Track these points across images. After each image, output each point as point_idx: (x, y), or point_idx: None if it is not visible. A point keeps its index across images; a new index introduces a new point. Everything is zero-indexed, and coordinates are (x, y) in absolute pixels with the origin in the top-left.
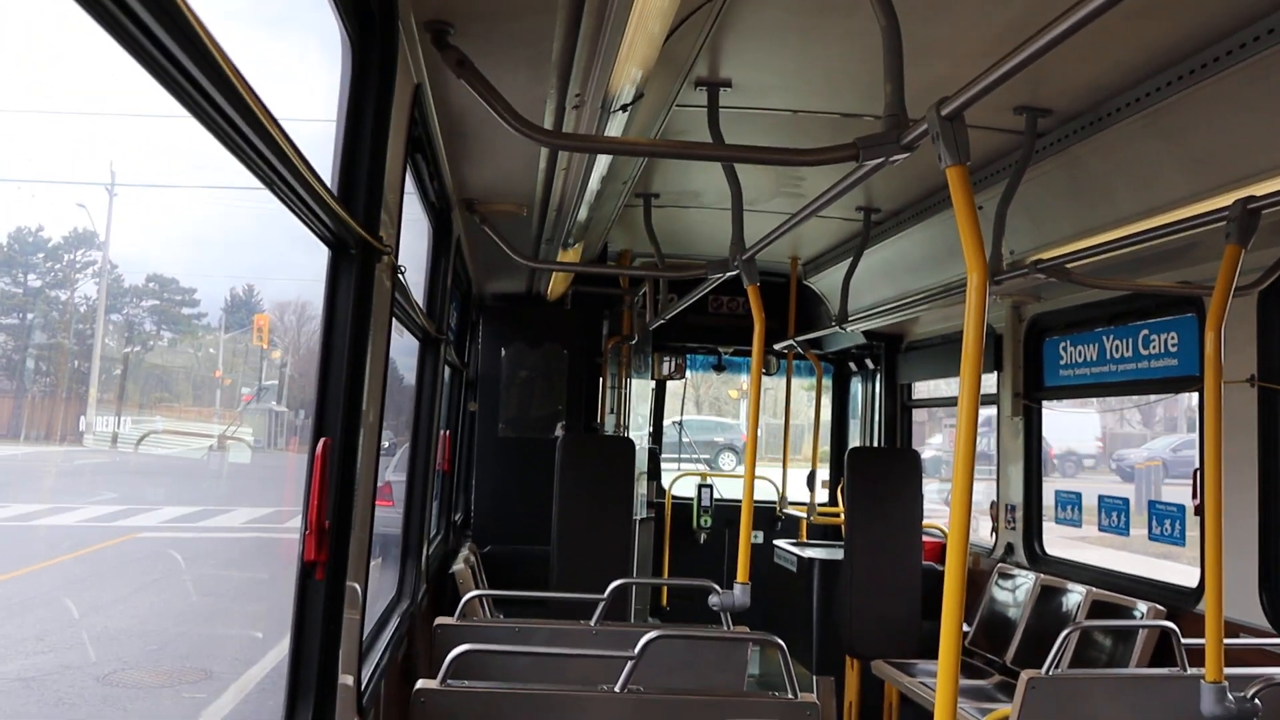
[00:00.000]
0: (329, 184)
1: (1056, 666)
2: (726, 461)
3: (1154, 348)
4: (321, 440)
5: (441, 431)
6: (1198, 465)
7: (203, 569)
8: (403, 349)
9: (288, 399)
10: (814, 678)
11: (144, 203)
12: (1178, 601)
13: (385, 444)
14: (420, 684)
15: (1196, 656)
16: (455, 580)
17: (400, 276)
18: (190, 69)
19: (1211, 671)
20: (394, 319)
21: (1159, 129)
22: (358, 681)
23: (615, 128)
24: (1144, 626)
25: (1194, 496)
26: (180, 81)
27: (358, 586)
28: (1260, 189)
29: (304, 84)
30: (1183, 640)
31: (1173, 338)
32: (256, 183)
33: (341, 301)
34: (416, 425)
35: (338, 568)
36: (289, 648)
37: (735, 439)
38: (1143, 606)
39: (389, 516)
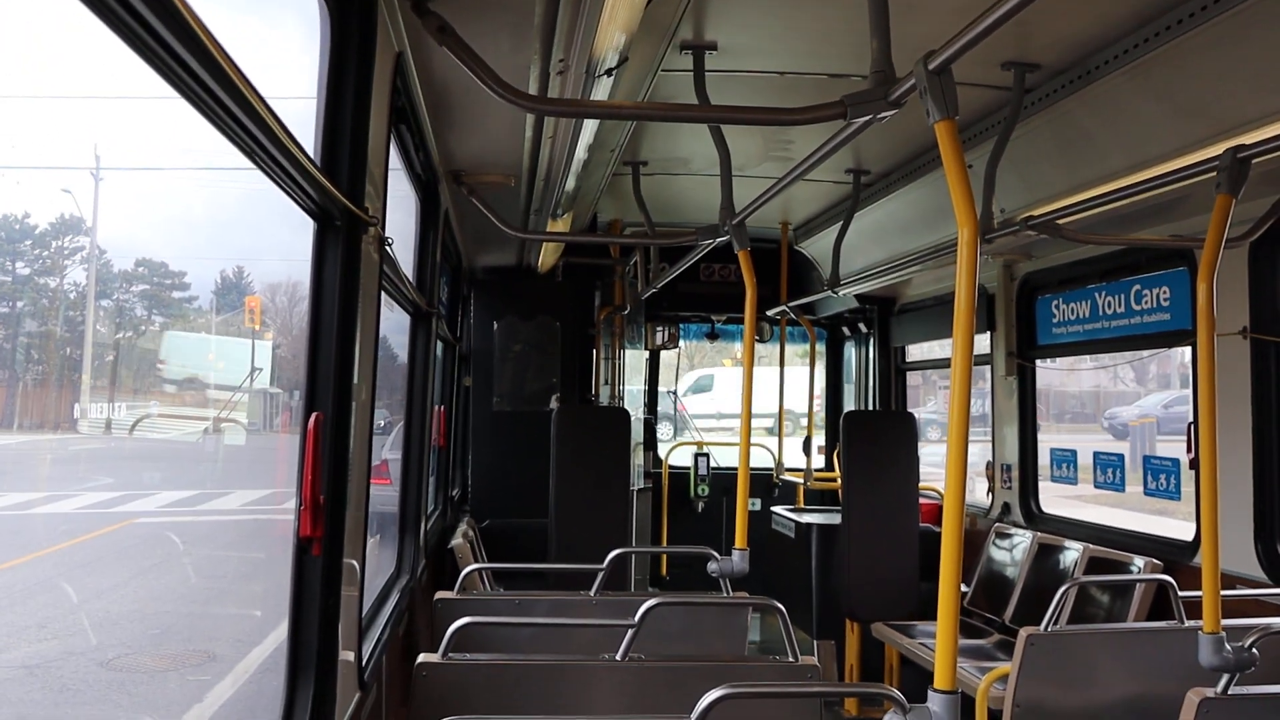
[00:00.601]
0: (313, 156)
1: (1055, 623)
2: (664, 431)
3: (1146, 302)
4: (313, 415)
5: (436, 407)
6: (1192, 419)
7: (202, 552)
8: (397, 327)
9: (281, 380)
10: (814, 641)
11: (131, 186)
12: (1174, 555)
13: (381, 422)
14: (422, 658)
15: (1194, 609)
16: (454, 555)
17: (388, 249)
18: (171, 42)
19: (1209, 623)
20: (383, 292)
21: (1147, 81)
22: (359, 657)
23: (600, 93)
24: (1141, 581)
25: (1188, 450)
26: (161, 55)
27: (355, 563)
28: (1250, 137)
29: (288, 59)
30: (1180, 593)
31: (1165, 292)
32: (244, 162)
33: (328, 274)
34: (410, 400)
35: (334, 544)
36: (288, 625)
37: (670, 408)
38: (1139, 561)
39: (388, 495)
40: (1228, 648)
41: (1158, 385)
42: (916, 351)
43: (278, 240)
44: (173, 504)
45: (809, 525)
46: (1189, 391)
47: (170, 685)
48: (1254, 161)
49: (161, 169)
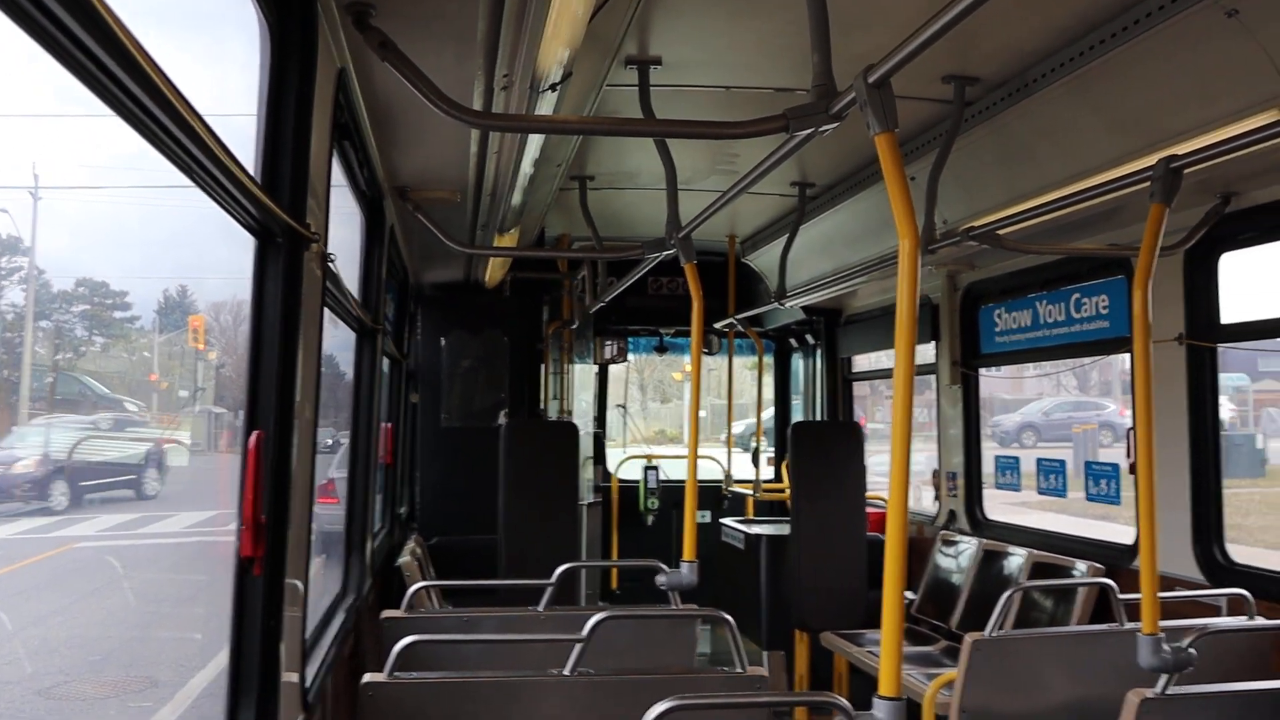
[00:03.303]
0: (253, 173)
1: (1000, 628)
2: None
3: (1086, 311)
4: (254, 433)
5: (383, 424)
6: (1131, 424)
7: (145, 575)
8: (344, 344)
9: (226, 400)
10: (764, 652)
11: (71, 205)
12: (1115, 559)
13: (329, 441)
14: (367, 677)
15: (1134, 611)
16: (401, 573)
17: (331, 265)
18: (105, 60)
19: (1147, 624)
20: (327, 309)
21: (1084, 93)
22: (302, 678)
23: (545, 108)
24: (1082, 584)
25: (1128, 455)
26: (95, 74)
27: (298, 583)
28: (1182, 148)
29: (230, 76)
30: (1120, 596)
31: (1103, 300)
32: (186, 181)
33: (270, 291)
34: (356, 417)
35: (276, 564)
36: (229, 646)
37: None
38: (1082, 565)
39: (334, 514)
40: (1166, 648)
41: (1099, 392)
42: (864, 362)
43: (222, 258)
44: (114, 528)
45: (758, 536)
46: (1071, 398)
47: (111, 713)
48: (1186, 171)
49: (102, 188)
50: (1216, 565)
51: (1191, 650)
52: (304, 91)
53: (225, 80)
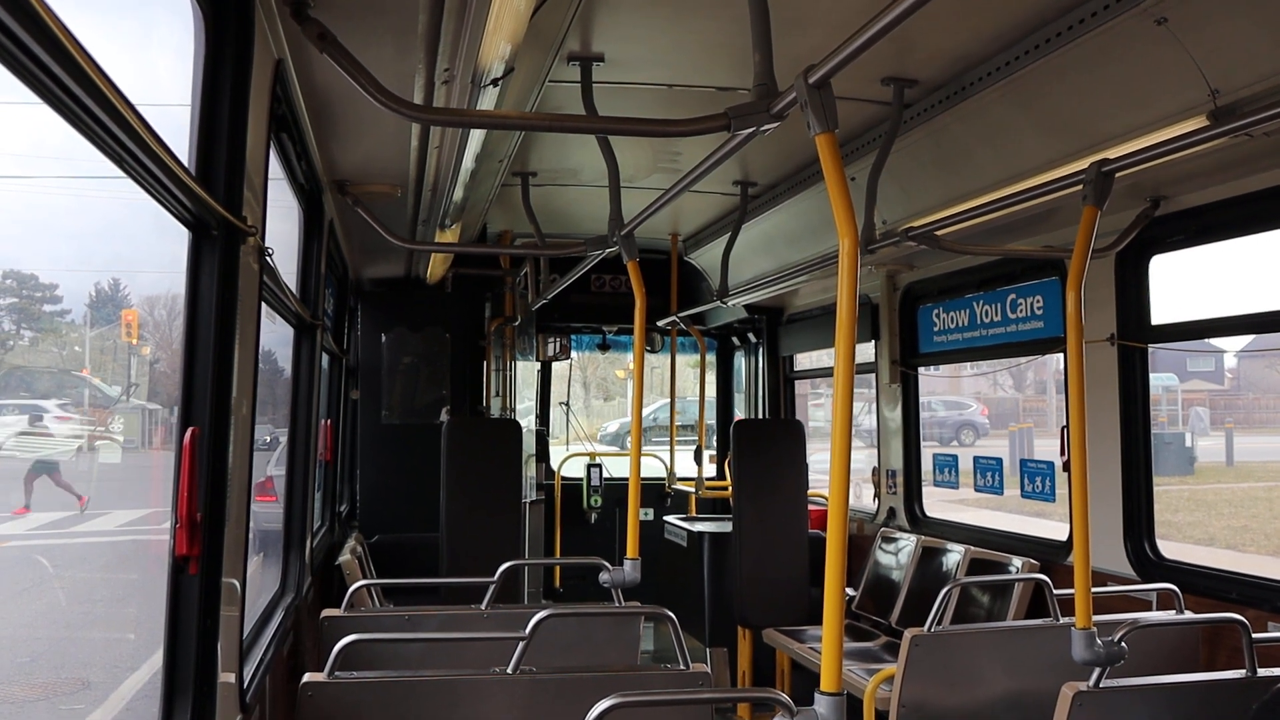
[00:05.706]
0: (187, 164)
1: (938, 623)
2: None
3: (1021, 311)
4: (189, 430)
5: (322, 420)
6: (1065, 423)
7: (77, 575)
8: (284, 339)
9: (161, 396)
10: (707, 649)
11: None
12: (1050, 555)
13: (268, 438)
14: (307, 677)
15: (1068, 606)
16: (342, 571)
17: (268, 259)
18: (31, 46)
19: (1081, 619)
20: (264, 304)
21: (1019, 97)
22: (240, 678)
23: (487, 103)
24: (1018, 580)
25: (1062, 453)
26: (20, 59)
27: (235, 582)
28: (1113, 152)
29: (163, 64)
30: (1054, 591)
31: (1038, 301)
32: (117, 171)
33: (205, 285)
34: (294, 414)
35: (212, 562)
36: (164, 646)
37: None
38: (1017, 561)
39: (274, 512)
40: (1098, 642)
41: (1035, 391)
42: (806, 360)
43: (158, 251)
44: (44, 526)
45: (701, 534)
46: (936, 398)
47: (41, 715)
48: (1117, 175)
49: (31, 178)
50: (1147, 561)
51: (1123, 644)
52: (240, 82)
53: (158, 68)
